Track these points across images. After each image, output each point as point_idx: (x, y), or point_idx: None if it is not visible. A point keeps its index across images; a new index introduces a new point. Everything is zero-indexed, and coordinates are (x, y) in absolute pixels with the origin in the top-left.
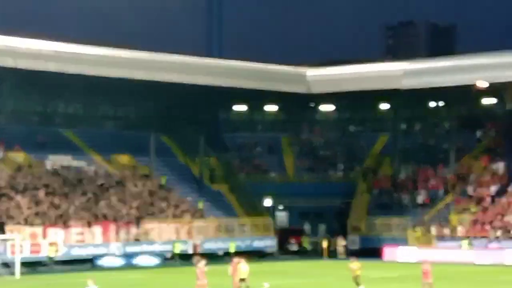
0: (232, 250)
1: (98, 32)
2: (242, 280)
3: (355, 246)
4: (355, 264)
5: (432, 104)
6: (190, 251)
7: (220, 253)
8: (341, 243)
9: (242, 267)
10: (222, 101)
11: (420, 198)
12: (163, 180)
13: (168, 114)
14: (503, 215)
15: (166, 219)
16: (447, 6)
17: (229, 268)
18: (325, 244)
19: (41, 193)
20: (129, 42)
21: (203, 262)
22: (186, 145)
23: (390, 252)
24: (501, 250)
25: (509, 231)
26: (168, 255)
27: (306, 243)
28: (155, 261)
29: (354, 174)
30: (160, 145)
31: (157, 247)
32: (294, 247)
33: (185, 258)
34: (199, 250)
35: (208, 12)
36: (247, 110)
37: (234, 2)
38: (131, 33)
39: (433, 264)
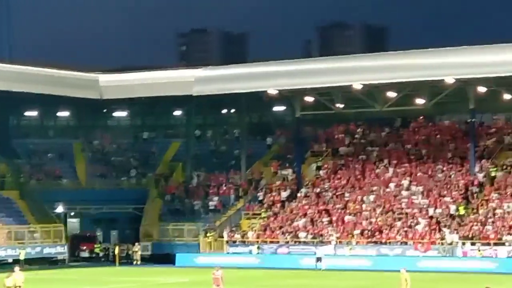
0: (22, 257)
1: None
2: None
3: (148, 252)
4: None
5: (224, 110)
6: None
7: (10, 260)
8: (136, 249)
9: (17, 276)
10: (12, 106)
11: (212, 204)
12: None
13: None
14: (292, 220)
15: None
16: (239, 14)
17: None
18: (117, 250)
19: None
20: None
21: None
22: None
23: (182, 258)
24: (289, 255)
25: (297, 236)
26: None
27: (98, 250)
28: None
29: (147, 181)
30: None
31: None
32: (86, 254)
33: None
34: None
35: None
36: (38, 116)
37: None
38: None
39: (224, 269)
